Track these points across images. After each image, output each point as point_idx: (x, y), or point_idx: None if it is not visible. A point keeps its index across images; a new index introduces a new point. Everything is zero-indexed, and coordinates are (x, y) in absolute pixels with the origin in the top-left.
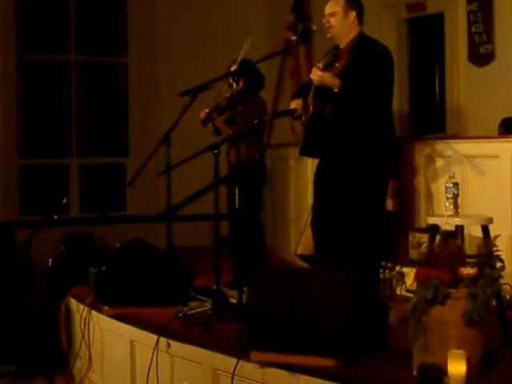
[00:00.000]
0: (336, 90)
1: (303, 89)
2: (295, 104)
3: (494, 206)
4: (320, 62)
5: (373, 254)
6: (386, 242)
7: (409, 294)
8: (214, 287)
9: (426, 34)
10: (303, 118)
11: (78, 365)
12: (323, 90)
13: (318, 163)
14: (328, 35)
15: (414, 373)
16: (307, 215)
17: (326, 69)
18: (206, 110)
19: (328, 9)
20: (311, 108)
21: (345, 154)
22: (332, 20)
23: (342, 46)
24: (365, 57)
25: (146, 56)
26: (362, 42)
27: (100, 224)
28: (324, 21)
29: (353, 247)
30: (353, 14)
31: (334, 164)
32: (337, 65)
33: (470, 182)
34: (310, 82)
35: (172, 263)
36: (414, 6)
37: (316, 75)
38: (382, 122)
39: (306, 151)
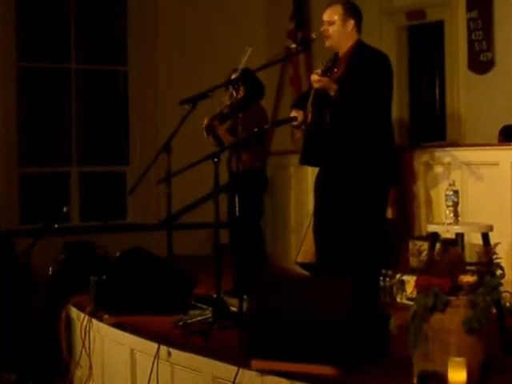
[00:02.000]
0: (332, 94)
1: (302, 98)
2: (295, 113)
3: (494, 214)
4: (319, 68)
5: (373, 262)
6: (387, 250)
7: (409, 302)
8: (215, 295)
9: (426, 42)
10: (303, 127)
11: (79, 373)
12: (322, 97)
13: (319, 171)
14: (326, 44)
15: (415, 381)
16: (308, 223)
17: (324, 74)
18: (209, 118)
19: (326, 17)
20: (310, 115)
21: (344, 161)
22: (330, 29)
23: (340, 54)
24: (363, 64)
25: (146, 64)
26: (360, 50)
27: (100, 232)
28: (322, 29)
29: (353, 255)
30: (351, 23)
31: (334, 171)
32: (335, 70)
33: (470, 190)
34: (309, 90)
35: (172, 271)
36: (414, 14)
37: (315, 79)
38: (381, 129)
39: (305, 160)
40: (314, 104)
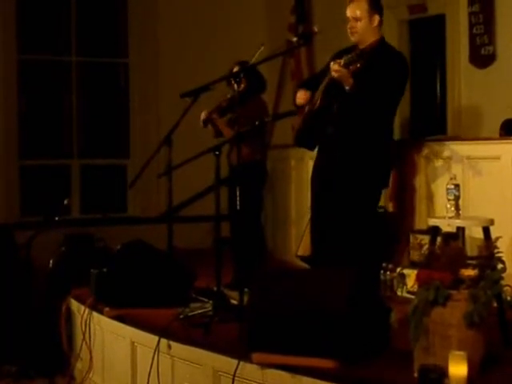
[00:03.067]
0: (347, 88)
1: (312, 81)
2: (302, 95)
3: (495, 208)
4: (342, 58)
5: (373, 256)
6: (387, 244)
7: (410, 296)
8: (215, 288)
9: (428, 36)
10: (306, 109)
11: (79, 366)
12: (335, 87)
13: (315, 162)
14: (353, 39)
15: (415, 374)
16: (308, 216)
17: (346, 66)
18: (207, 111)
19: (351, 13)
20: (318, 101)
21: (345, 154)
22: (357, 25)
23: (361, 47)
24: (383, 64)
25: (147, 57)
26: (383, 49)
27: (101, 225)
28: (348, 26)
29: (353, 249)
30: (377, 18)
31: (332, 163)
32: (358, 65)
33: (471, 184)
34: (321, 75)
35: (173, 264)
36: (416, 8)
37: (335, 68)
38: (385, 127)
39: (300, 142)
40: (324, 91)
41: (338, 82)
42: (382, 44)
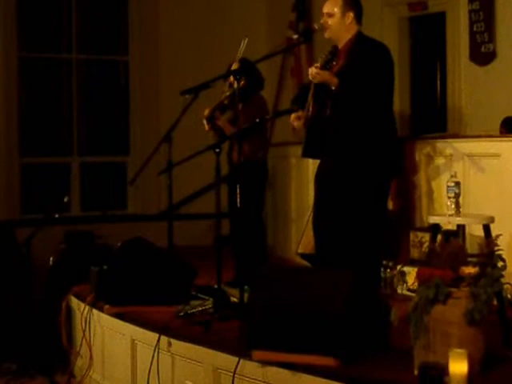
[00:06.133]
0: (334, 88)
1: (302, 91)
2: (296, 120)
3: (496, 205)
4: (318, 61)
5: (374, 254)
6: (387, 241)
7: (410, 294)
8: (216, 286)
9: (428, 33)
10: (304, 114)
11: (79, 363)
12: (322, 90)
13: (320, 162)
14: (325, 36)
15: (415, 372)
16: (309, 214)
17: (323, 68)
18: (210, 109)
19: (325, 9)
20: (311, 109)
21: (346, 153)
22: (329, 21)
23: (340, 46)
24: (362, 56)
25: (147, 54)
26: (360, 42)
27: (101, 222)
28: (321, 21)
29: (354, 246)
30: (350, 15)
31: (335, 163)
32: (334, 63)
33: (472, 181)
34: (309, 83)
35: (173, 262)
36: (416, 5)
37: (313, 73)
38: (382, 119)
39: (307, 153)
40: (314, 97)
41: (324, 85)
42: (359, 37)
